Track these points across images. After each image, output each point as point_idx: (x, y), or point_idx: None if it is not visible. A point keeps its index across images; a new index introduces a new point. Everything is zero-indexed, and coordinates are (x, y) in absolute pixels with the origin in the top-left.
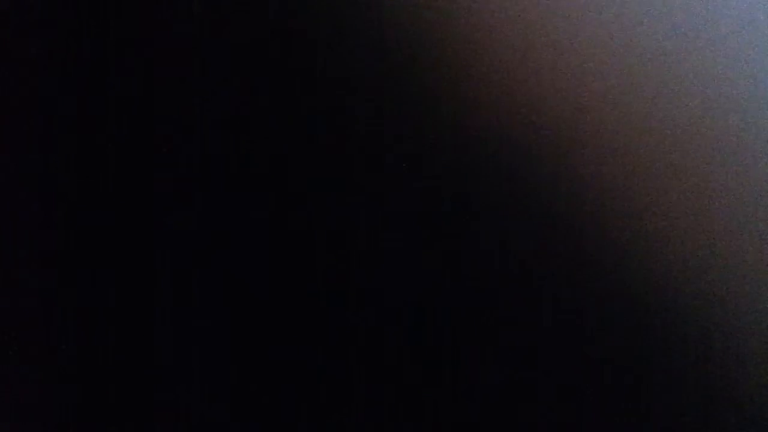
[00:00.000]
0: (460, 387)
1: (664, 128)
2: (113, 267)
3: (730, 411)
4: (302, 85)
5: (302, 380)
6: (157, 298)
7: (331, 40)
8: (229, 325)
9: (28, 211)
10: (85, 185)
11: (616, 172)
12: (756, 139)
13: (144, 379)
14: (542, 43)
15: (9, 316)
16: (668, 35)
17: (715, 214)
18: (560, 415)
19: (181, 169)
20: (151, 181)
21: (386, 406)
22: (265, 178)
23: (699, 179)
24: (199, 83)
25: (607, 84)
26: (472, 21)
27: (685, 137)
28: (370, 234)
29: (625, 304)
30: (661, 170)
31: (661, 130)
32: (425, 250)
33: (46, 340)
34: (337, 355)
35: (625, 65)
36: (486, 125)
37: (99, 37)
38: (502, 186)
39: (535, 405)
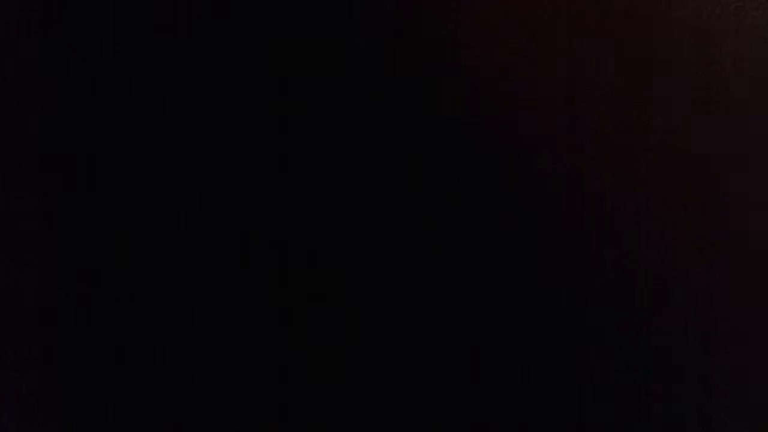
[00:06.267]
0: (459, 387)
1: (665, 128)
2: (113, 267)
3: (730, 411)
4: (302, 84)
5: (302, 382)
6: (156, 299)
7: (329, 37)
8: (229, 326)
9: (28, 211)
10: (84, 185)
11: (616, 172)
12: (757, 138)
13: (144, 379)
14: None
15: (9, 316)
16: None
17: (715, 212)
18: (560, 416)
19: (180, 169)
20: (150, 182)
21: (386, 407)
22: (264, 178)
23: (699, 178)
24: (199, 83)
25: (607, 83)
26: (473, 20)
27: (685, 136)
28: (369, 235)
29: (625, 304)
30: (660, 169)
31: (661, 129)
32: (425, 250)
33: (46, 340)
34: (336, 357)
35: (625, 64)
36: (485, 124)
37: (98, 36)
38: (502, 185)
39: (534, 405)
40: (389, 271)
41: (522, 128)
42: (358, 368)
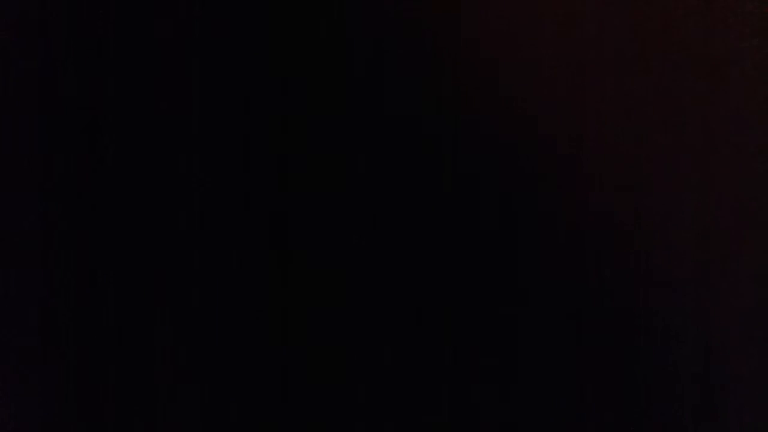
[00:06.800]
0: (459, 387)
1: (664, 128)
2: (113, 267)
3: (730, 411)
4: (303, 86)
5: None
6: (155, 300)
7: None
8: (229, 326)
9: (28, 211)
10: (85, 186)
11: (616, 171)
12: (756, 138)
13: (143, 380)
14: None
15: (8, 317)
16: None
17: (715, 213)
18: (560, 416)
19: (180, 169)
20: (150, 181)
21: (386, 409)
22: (264, 179)
23: (700, 178)
24: (199, 83)
25: (608, 83)
26: (475, 24)
27: (685, 137)
28: (369, 236)
29: (625, 304)
30: (660, 168)
31: (661, 129)
32: (426, 250)
33: (46, 340)
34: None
35: (625, 64)
36: (486, 125)
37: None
38: (501, 184)
39: (533, 404)
40: (389, 271)
41: (522, 127)
42: (358, 368)
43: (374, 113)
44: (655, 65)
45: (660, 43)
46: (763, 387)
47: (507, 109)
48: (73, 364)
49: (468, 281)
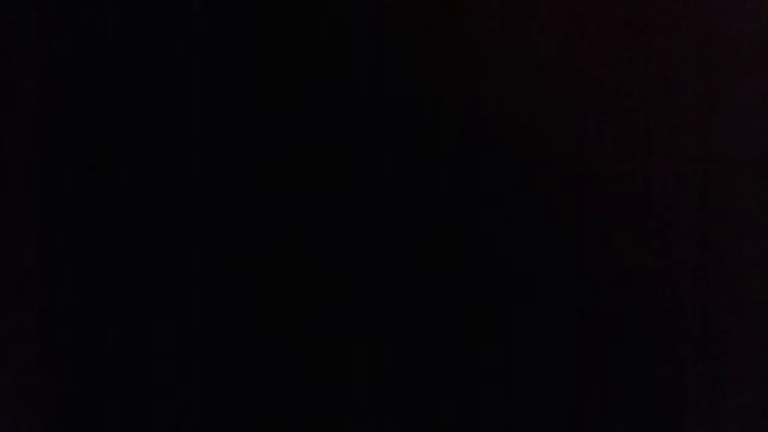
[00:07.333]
0: (459, 388)
1: (665, 128)
2: (112, 267)
3: (730, 411)
4: (303, 86)
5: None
6: (156, 300)
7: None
8: (229, 326)
9: (28, 211)
10: (85, 186)
11: (616, 173)
12: (756, 138)
13: (143, 380)
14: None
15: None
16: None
17: (715, 213)
18: (559, 416)
19: (179, 169)
20: (151, 182)
21: (386, 409)
22: (263, 178)
23: (699, 178)
24: (199, 83)
25: (608, 83)
26: (475, 23)
27: (687, 136)
28: (370, 236)
29: (625, 304)
30: (661, 169)
31: (662, 129)
32: (425, 250)
33: (46, 340)
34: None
35: (626, 65)
36: (486, 125)
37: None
38: (503, 185)
39: (534, 406)
40: (389, 271)
41: (521, 127)
42: (358, 368)
43: (374, 113)
44: (655, 65)
45: (660, 43)
46: (763, 387)
47: (506, 109)
48: (72, 364)
49: (468, 281)
